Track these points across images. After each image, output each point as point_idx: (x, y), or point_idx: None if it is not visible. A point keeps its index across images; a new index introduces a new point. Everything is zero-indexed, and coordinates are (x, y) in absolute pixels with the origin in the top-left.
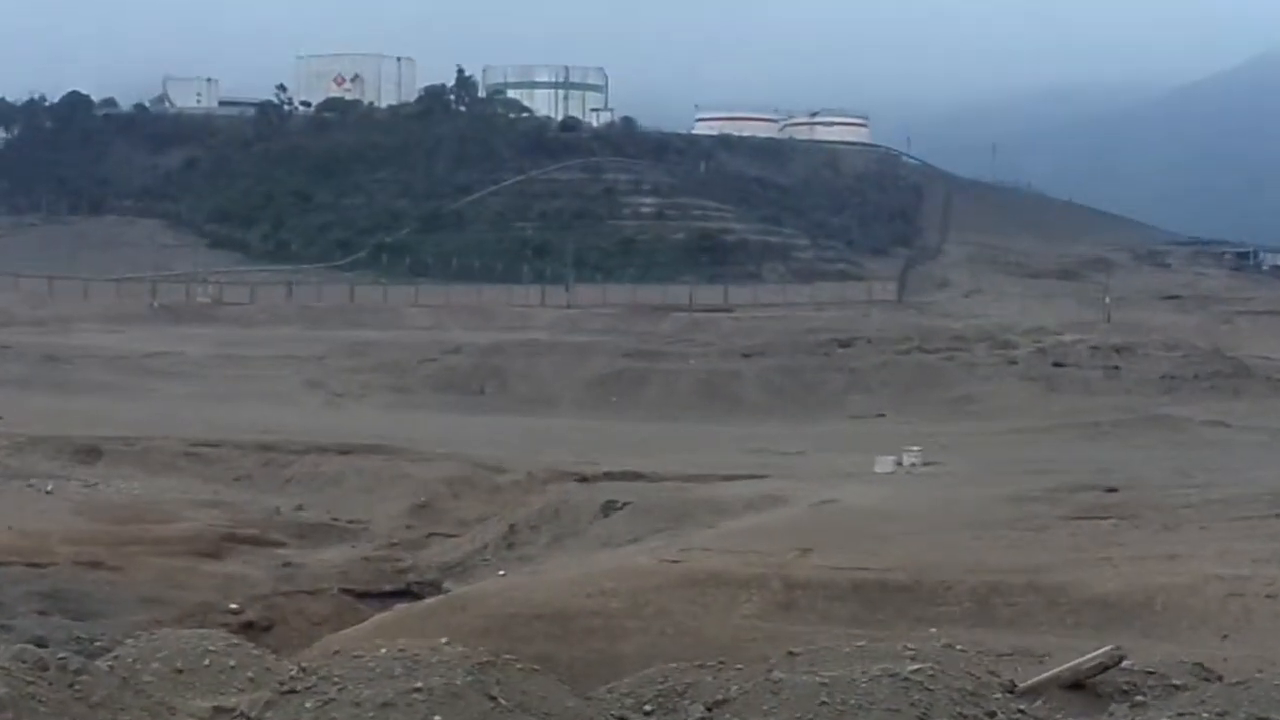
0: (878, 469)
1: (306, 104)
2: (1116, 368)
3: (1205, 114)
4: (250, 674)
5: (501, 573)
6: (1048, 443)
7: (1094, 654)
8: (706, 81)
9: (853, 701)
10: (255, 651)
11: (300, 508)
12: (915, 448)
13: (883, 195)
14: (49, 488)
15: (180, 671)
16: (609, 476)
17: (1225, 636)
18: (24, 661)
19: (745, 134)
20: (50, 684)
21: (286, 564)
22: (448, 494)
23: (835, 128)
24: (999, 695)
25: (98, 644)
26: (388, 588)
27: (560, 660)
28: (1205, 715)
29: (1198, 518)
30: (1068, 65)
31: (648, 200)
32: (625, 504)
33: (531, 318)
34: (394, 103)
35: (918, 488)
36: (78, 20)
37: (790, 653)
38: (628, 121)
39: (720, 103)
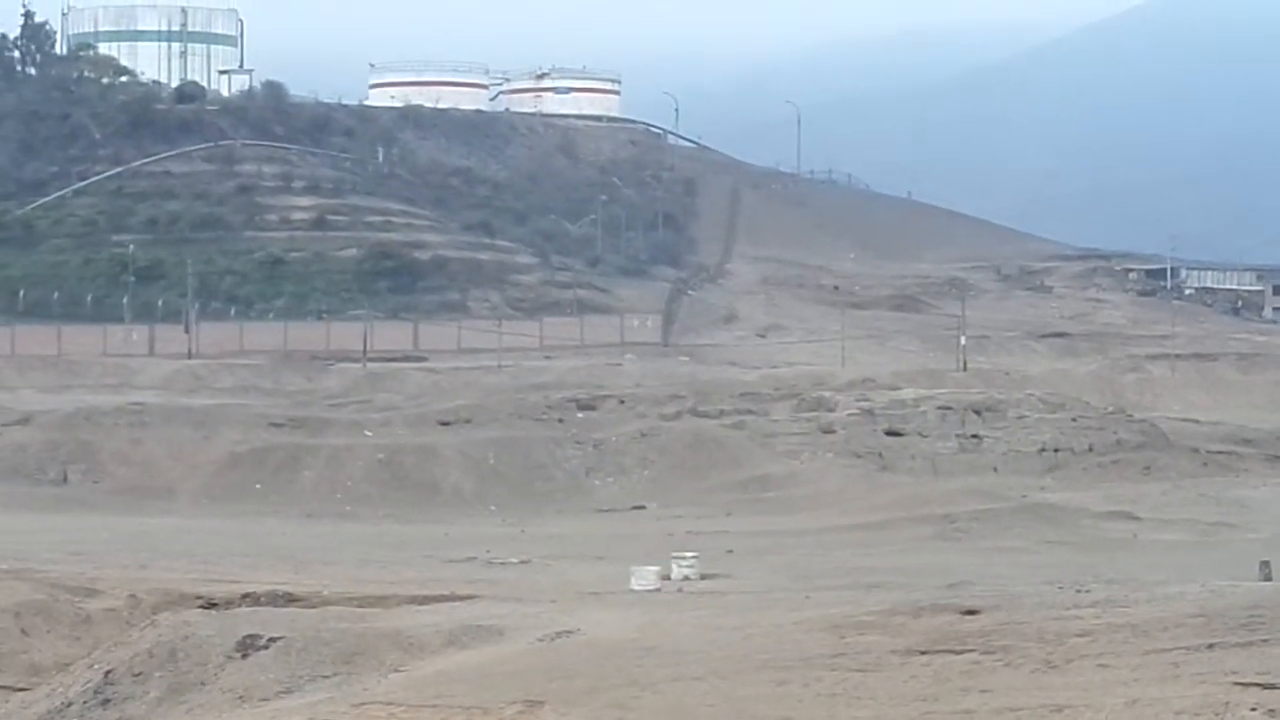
0: (636, 585)
1: None
2: (976, 437)
3: (1098, 71)
4: None
5: None
6: (880, 545)
7: None
8: (386, 31)
9: None
10: None
11: None
12: (689, 554)
13: (641, 192)
14: None
15: None
16: (249, 600)
17: None
18: None
19: (443, 105)
20: None
21: None
22: (14, 629)
23: (572, 96)
24: None
25: None
26: None
27: None
28: None
29: (1095, 650)
30: (908, 7)
31: (303, 202)
32: (272, 640)
33: (136, 372)
34: None
35: (693, 612)
36: None
37: None
38: (273, 88)
39: (406, 61)
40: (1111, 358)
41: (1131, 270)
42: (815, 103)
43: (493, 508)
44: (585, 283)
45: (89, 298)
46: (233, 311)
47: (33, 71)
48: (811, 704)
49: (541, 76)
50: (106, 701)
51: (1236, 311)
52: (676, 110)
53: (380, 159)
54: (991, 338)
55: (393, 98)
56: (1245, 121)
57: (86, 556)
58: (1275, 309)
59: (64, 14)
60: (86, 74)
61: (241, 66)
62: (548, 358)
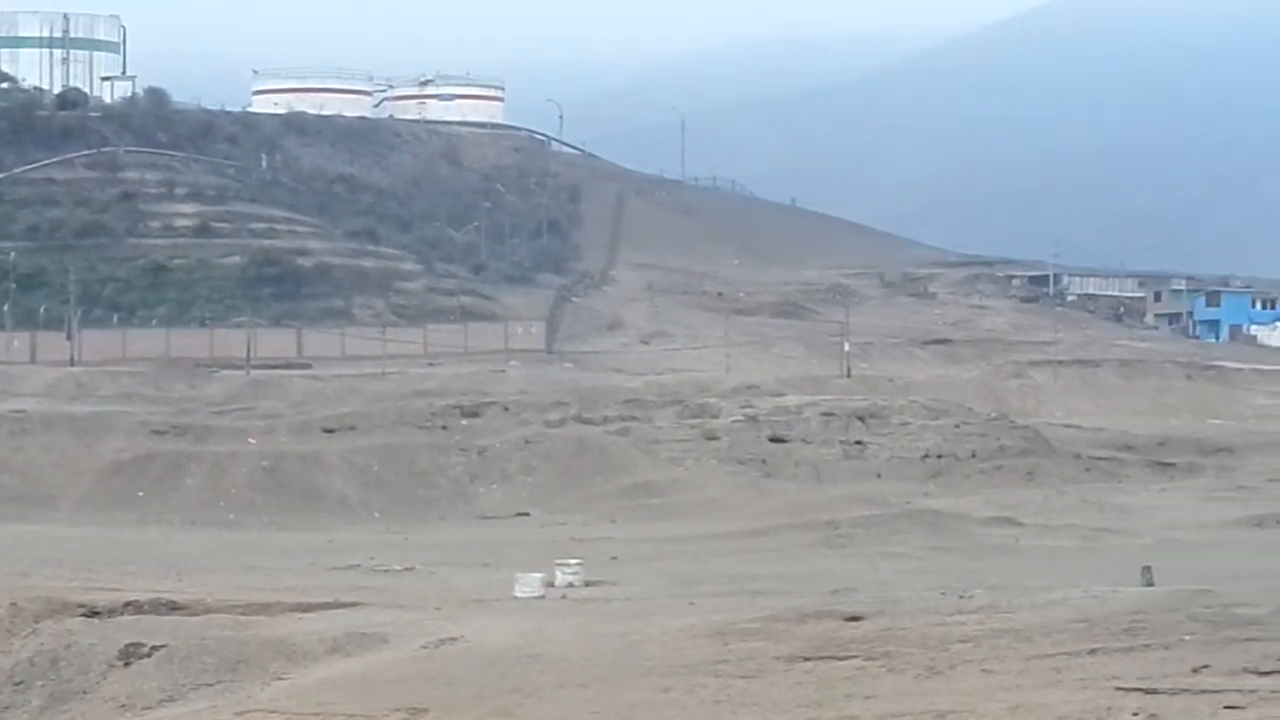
0: (520, 592)
1: None
2: (860, 443)
3: (982, 79)
4: None
5: None
6: (764, 551)
7: None
8: (268, 37)
9: None
10: None
11: None
12: (573, 561)
13: (524, 198)
14: None
15: None
16: (132, 608)
17: None
18: None
19: (327, 113)
20: None
21: None
22: None
23: (456, 103)
24: None
25: None
26: None
27: None
28: None
29: (978, 656)
30: (793, 16)
31: (186, 209)
32: (155, 648)
33: (17, 380)
34: None
35: (577, 619)
36: None
37: None
38: (155, 95)
39: (290, 68)
40: (995, 364)
41: (1014, 277)
42: (699, 109)
43: (377, 515)
44: (469, 290)
45: None
46: (115, 319)
47: None
48: (695, 711)
49: (425, 83)
50: None
51: (1119, 318)
52: (561, 117)
53: (264, 166)
54: (875, 344)
55: (276, 105)
56: (1127, 129)
57: None
58: (1157, 315)
59: None
60: None
61: (124, 73)
62: (432, 365)
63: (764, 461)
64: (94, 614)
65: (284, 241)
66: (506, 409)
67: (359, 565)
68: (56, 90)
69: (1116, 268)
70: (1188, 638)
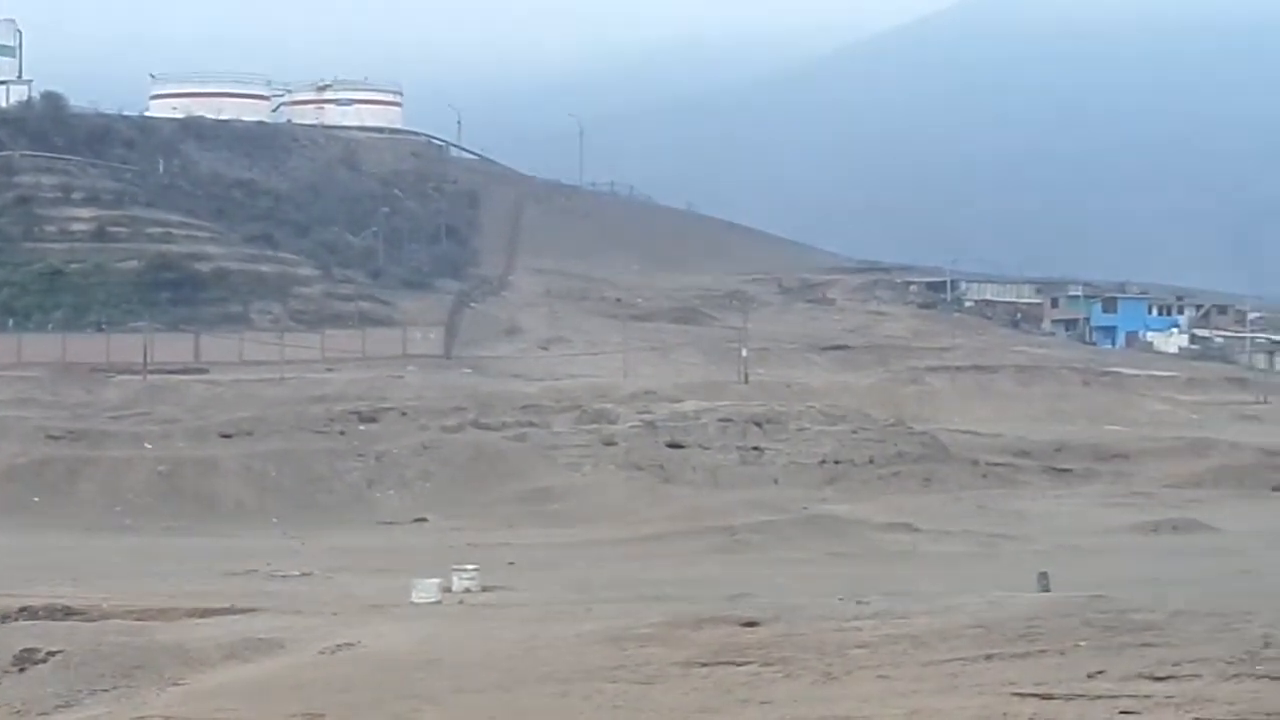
0: (417, 598)
1: None
2: (757, 449)
3: (881, 84)
4: None
5: None
6: (661, 557)
7: None
8: (166, 40)
9: None
10: None
11: None
12: (470, 567)
13: (423, 204)
14: None
15: None
16: (27, 614)
17: None
18: None
19: (224, 117)
20: None
21: None
22: None
23: (355, 108)
24: None
25: None
26: None
27: None
28: None
29: (874, 661)
30: (691, 22)
31: (82, 213)
32: (51, 654)
33: None
34: None
35: (474, 625)
36: None
37: None
38: (52, 99)
39: (188, 72)
40: (892, 370)
41: (912, 283)
42: (598, 115)
43: (274, 520)
44: (367, 295)
45: None
46: (11, 323)
47: None
48: (592, 716)
49: (323, 88)
50: None
51: (1016, 324)
52: (459, 122)
53: (161, 170)
54: (772, 350)
55: (174, 109)
56: (1026, 136)
57: None
58: (1054, 321)
59: None
60: None
61: (20, 77)
62: (330, 370)
63: (662, 467)
64: None
65: (181, 246)
66: (404, 414)
67: (256, 571)
68: None
69: (1014, 274)
70: (1083, 643)
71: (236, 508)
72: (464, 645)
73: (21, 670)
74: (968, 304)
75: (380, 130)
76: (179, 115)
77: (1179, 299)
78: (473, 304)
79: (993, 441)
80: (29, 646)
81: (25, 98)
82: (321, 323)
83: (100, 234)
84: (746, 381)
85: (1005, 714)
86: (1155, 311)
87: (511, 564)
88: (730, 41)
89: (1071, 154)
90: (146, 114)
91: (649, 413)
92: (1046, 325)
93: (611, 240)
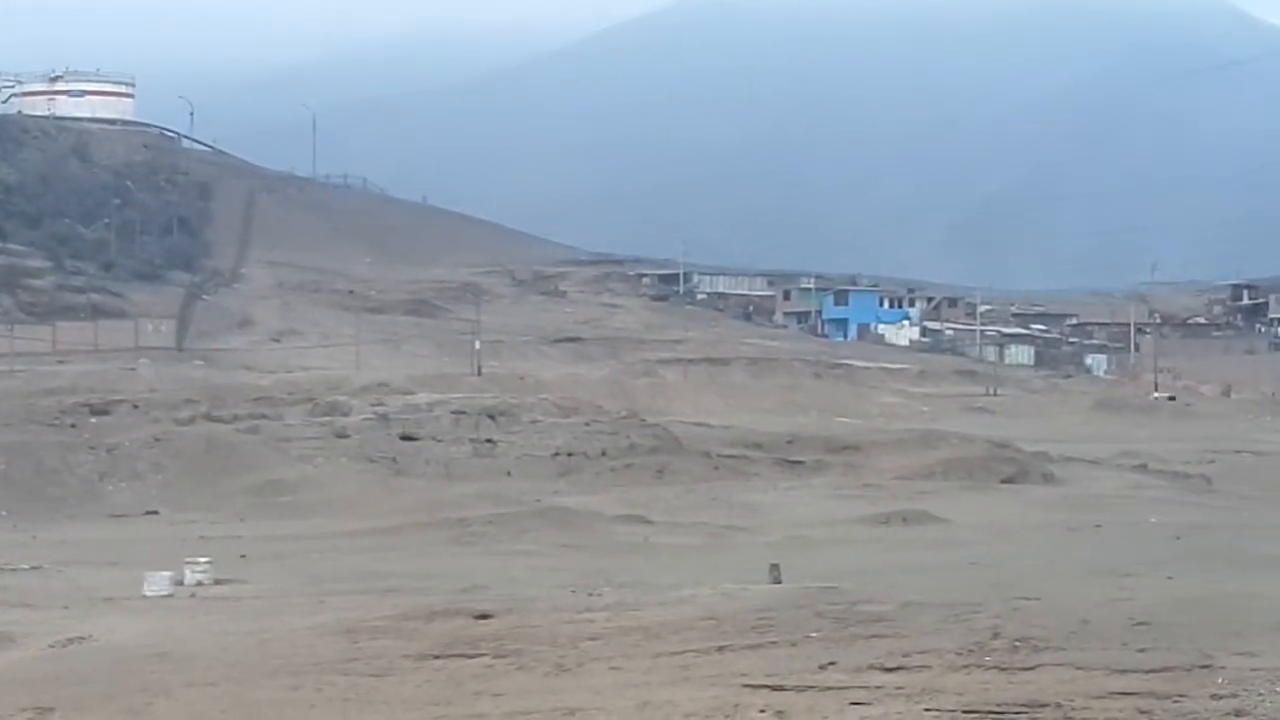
0: (149, 591)
1: None
2: (490, 441)
3: (613, 76)
4: None
5: None
6: (394, 549)
7: None
8: None
9: None
10: None
11: None
12: (203, 559)
13: (155, 195)
14: None
15: None
16: None
17: None
18: None
19: None
20: None
21: None
22: None
23: (86, 99)
24: None
25: None
26: None
27: None
28: None
29: (606, 653)
30: (424, 14)
31: None
32: None
33: None
34: None
35: (207, 617)
36: None
37: None
38: None
39: None
40: (625, 362)
41: (645, 275)
42: (332, 107)
43: (3, 513)
44: (99, 287)
45: None
46: None
47: None
48: (324, 709)
49: (55, 79)
50: None
51: (748, 316)
52: (192, 114)
53: None
54: (506, 342)
55: None
56: (757, 128)
57: None
58: (786, 314)
59: None
60: None
61: None
62: (60, 362)
63: (395, 459)
64: None
65: None
66: (136, 407)
67: None
68: None
69: (746, 266)
70: (814, 634)
71: None
72: (196, 638)
73: None
74: (700, 296)
75: (112, 122)
76: None
77: (910, 292)
78: (205, 296)
79: (725, 434)
80: None
81: None
82: (52, 315)
83: None
84: (480, 374)
85: (737, 705)
86: (886, 304)
87: (244, 557)
88: (467, 34)
89: (803, 147)
90: None
91: (382, 405)
92: (779, 318)
93: (344, 232)
